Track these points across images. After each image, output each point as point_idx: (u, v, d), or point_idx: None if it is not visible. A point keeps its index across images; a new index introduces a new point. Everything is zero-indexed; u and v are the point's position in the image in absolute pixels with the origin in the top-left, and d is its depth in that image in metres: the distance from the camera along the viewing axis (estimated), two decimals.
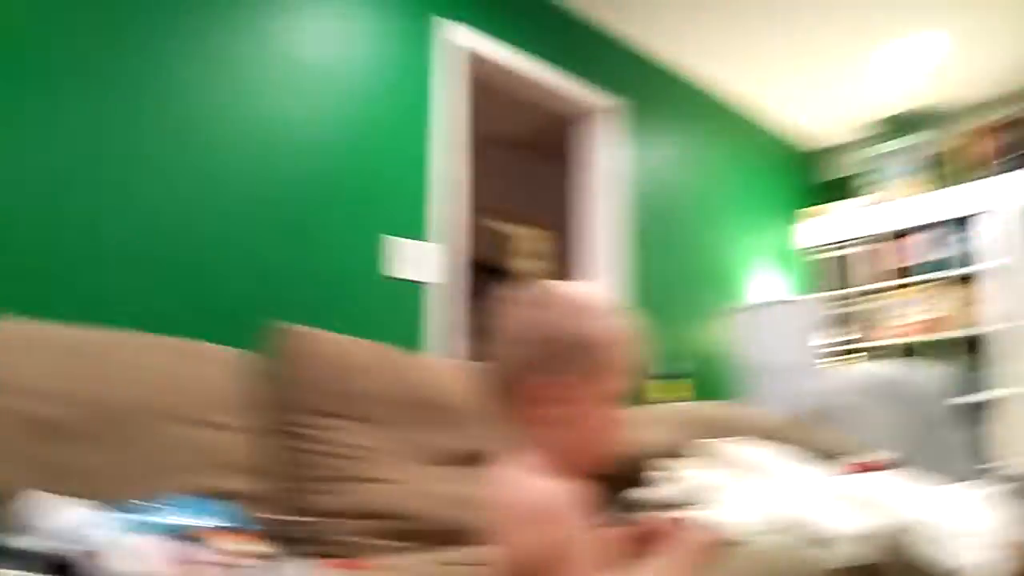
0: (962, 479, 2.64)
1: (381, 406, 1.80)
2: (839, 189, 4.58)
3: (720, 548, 0.84)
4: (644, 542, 0.88)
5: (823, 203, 4.53)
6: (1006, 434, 3.72)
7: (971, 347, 3.97)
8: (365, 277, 2.50)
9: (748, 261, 4.14)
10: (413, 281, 2.62)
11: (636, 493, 1.77)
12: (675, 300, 3.63)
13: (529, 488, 0.75)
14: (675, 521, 0.85)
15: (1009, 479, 2.72)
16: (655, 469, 1.81)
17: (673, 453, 1.93)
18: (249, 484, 1.52)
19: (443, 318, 2.66)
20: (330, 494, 1.62)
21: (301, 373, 1.73)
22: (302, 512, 1.58)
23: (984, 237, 3.96)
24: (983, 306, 3.93)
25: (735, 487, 1.85)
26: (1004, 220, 3.91)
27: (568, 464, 0.82)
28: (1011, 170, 3.98)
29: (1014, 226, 3.88)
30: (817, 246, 4.47)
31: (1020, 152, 4.03)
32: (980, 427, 3.59)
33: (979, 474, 2.92)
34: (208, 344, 1.69)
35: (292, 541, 1.43)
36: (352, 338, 1.90)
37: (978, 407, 3.67)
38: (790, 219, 4.55)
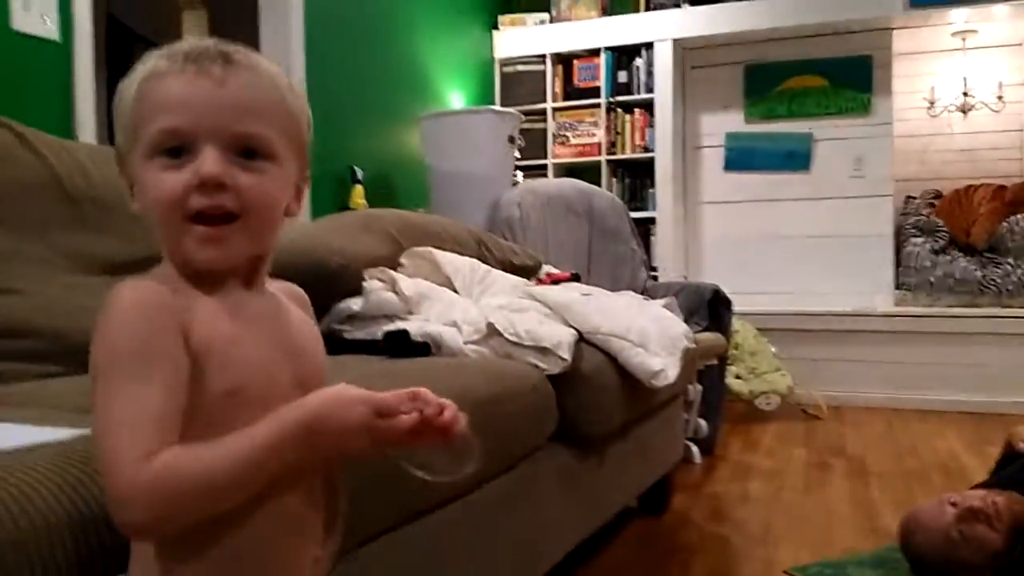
0: (634, 289, 2.87)
1: (17, 201, 1.41)
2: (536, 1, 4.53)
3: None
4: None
5: (520, 12, 4.47)
6: (663, 249, 4.18)
7: (638, 169, 4.32)
8: None
9: (444, 68, 3.97)
10: (51, 40, 2.04)
11: (352, 303, 1.61)
12: (360, 101, 3.36)
13: (115, 294, 0.62)
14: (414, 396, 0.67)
15: (669, 290, 3.02)
16: (371, 278, 1.65)
17: (387, 261, 1.78)
18: None
19: (90, 90, 2.13)
20: None
21: None
22: None
23: (650, 68, 4.24)
24: (649, 132, 4.25)
25: (450, 298, 1.78)
26: (663, 54, 4.20)
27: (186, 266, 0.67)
28: (673, 5, 4.24)
29: (669, 61, 4.18)
30: (511, 58, 4.44)
31: None
32: (647, 242, 3.97)
33: (649, 286, 3.21)
34: None
35: None
36: None
37: (641, 223, 4.03)
38: (487, 26, 4.42)
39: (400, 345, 1.51)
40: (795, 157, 4.37)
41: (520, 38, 4.44)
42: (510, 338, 1.55)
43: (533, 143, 4.34)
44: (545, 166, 4.40)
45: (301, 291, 0.80)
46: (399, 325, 1.57)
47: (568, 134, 4.40)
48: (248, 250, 0.68)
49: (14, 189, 1.41)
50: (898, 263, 4.25)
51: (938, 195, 4.49)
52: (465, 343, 1.57)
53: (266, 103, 0.68)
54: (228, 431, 0.60)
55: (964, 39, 4.39)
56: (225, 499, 0.60)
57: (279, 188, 0.69)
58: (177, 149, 0.64)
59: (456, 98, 4.05)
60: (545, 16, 4.44)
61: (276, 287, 0.77)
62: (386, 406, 0.63)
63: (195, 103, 0.64)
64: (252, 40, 3.01)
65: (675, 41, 4.22)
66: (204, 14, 4.31)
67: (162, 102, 0.65)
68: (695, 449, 2.93)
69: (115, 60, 3.69)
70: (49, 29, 2.04)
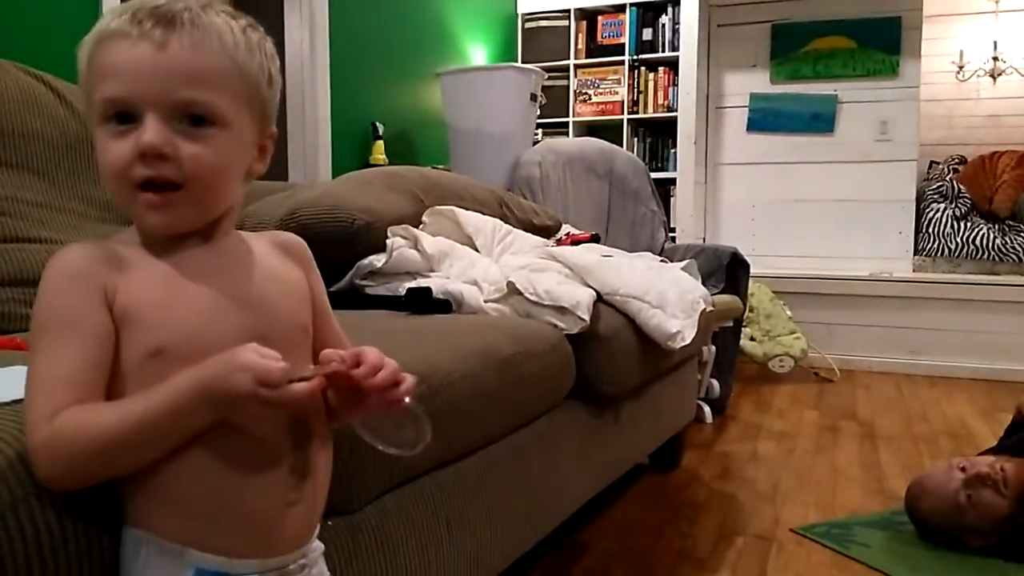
0: (654, 251, 2.89)
1: (42, 148, 1.44)
2: None
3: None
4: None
5: None
6: (683, 210, 4.17)
7: (660, 129, 4.29)
8: None
9: (466, 22, 3.93)
10: None
11: (375, 260, 1.64)
12: (382, 56, 3.35)
13: (49, 261, 0.66)
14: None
15: (687, 252, 3.03)
16: (394, 236, 1.68)
17: (410, 219, 1.80)
18: None
19: None
20: None
21: None
22: None
23: (676, 26, 4.17)
24: (672, 91, 4.21)
25: (471, 256, 1.81)
26: (689, 12, 4.13)
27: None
28: None
29: (696, 18, 4.12)
30: (534, 13, 4.39)
31: None
32: (664, 201, 3.96)
33: (668, 247, 3.22)
34: None
35: None
36: (4, 61, 1.47)
37: (662, 184, 4.02)
38: None
39: (422, 302, 1.54)
40: (819, 119, 4.33)
41: None
42: (530, 297, 1.58)
43: (554, 100, 4.31)
44: (566, 124, 4.38)
45: (297, 242, 0.80)
46: (421, 282, 1.61)
47: (590, 92, 4.37)
48: (197, 216, 0.68)
49: (50, 143, 1.44)
50: (918, 229, 4.23)
51: (963, 161, 4.44)
52: (485, 301, 1.60)
53: (212, 67, 0.66)
54: None
55: (997, 1, 4.30)
56: (123, 457, 0.61)
57: (228, 154, 0.68)
58: (123, 115, 0.64)
59: (478, 53, 4.02)
60: None
61: (268, 238, 0.77)
62: (266, 375, 0.60)
63: (136, 70, 0.64)
64: None
65: None
66: None
67: (107, 69, 0.64)
68: (707, 409, 2.97)
69: None
70: None
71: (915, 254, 4.21)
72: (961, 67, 4.51)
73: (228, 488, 0.65)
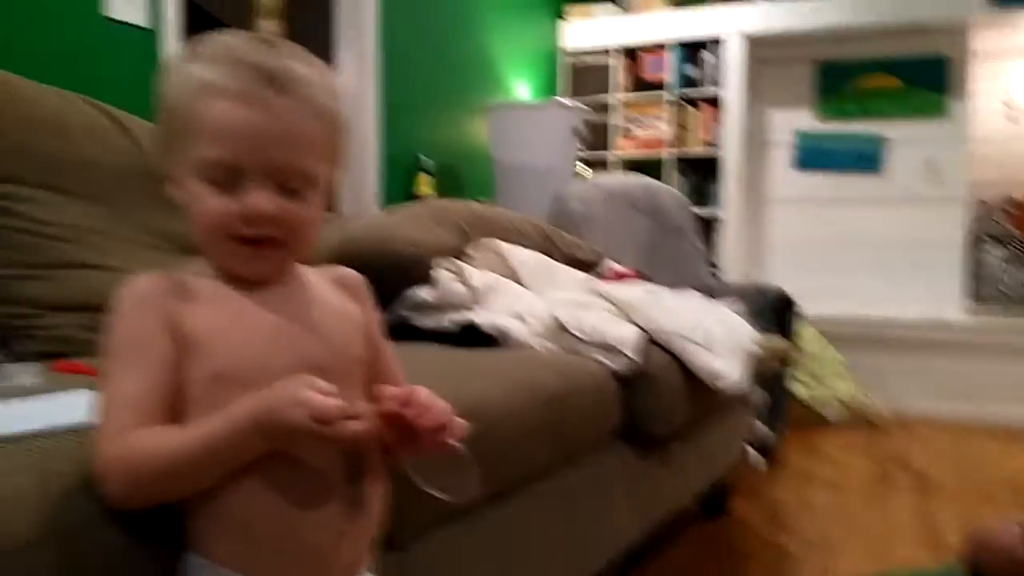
0: (699, 289, 2.85)
1: (105, 179, 1.47)
2: None
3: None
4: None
5: (588, 3, 4.45)
6: (727, 248, 4.13)
7: (703, 166, 4.27)
8: (82, 15, 1.95)
9: (511, 58, 3.98)
10: (142, 27, 2.11)
11: (422, 292, 1.64)
12: (429, 91, 3.39)
13: (120, 288, 0.69)
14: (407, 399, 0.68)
15: (732, 290, 2.98)
16: (440, 268, 1.68)
17: (456, 252, 1.80)
18: None
19: None
20: (43, 281, 1.32)
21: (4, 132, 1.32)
22: (9, 302, 1.28)
23: (719, 63, 4.17)
24: (715, 128, 4.20)
25: (516, 290, 1.80)
26: (733, 49, 4.13)
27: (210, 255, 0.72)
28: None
29: (740, 55, 4.12)
30: (578, 50, 4.42)
31: None
32: (709, 240, 3.93)
33: (713, 285, 3.19)
34: None
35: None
36: (70, 93, 1.50)
37: (707, 222, 3.99)
38: (556, 17, 4.41)
39: (469, 336, 1.53)
40: (866, 158, 4.27)
41: (587, 29, 4.41)
42: (575, 334, 1.56)
43: (597, 135, 4.32)
44: (608, 159, 4.38)
45: (355, 277, 0.81)
46: (467, 316, 1.60)
47: (632, 127, 4.37)
48: (285, 264, 0.72)
49: (110, 172, 1.47)
50: (969, 271, 4.12)
51: (1016, 204, 4.34)
52: (531, 337, 1.58)
53: (315, 134, 0.69)
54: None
55: None
56: (184, 478, 0.63)
57: (319, 209, 0.71)
58: (226, 173, 0.66)
59: (522, 88, 4.06)
60: (613, 7, 4.41)
61: (326, 273, 0.79)
62: (320, 412, 0.60)
63: (246, 137, 0.65)
64: (327, 28, 3.06)
65: (746, 36, 4.15)
66: (282, 1, 4.38)
67: (214, 129, 0.66)
68: (756, 454, 2.90)
69: None
70: (139, 15, 2.11)
71: (967, 298, 4.10)
72: (1011, 107, 4.43)
73: (286, 517, 0.66)
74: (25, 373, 0.99)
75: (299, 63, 0.69)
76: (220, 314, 0.68)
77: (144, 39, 2.13)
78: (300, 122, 0.67)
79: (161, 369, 0.65)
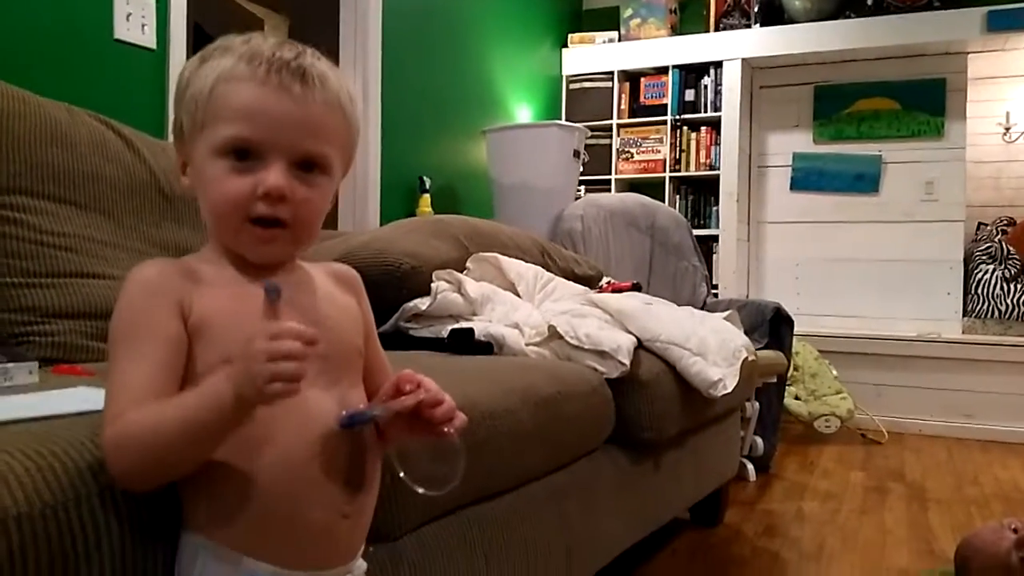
0: (694, 305, 2.89)
1: (110, 191, 1.52)
2: (605, 19, 4.58)
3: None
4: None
5: (589, 31, 4.53)
6: (725, 268, 4.16)
7: (702, 187, 4.32)
8: (93, 37, 2.01)
9: (513, 83, 4.05)
10: (150, 48, 2.17)
11: (420, 303, 1.68)
12: (431, 113, 3.46)
13: (129, 274, 0.70)
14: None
15: (730, 306, 3.02)
16: (438, 280, 1.72)
17: (455, 265, 1.84)
18: None
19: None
20: (45, 289, 1.35)
21: (9, 144, 1.36)
22: (11, 309, 1.31)
23: (717, 86, 4.24)
24: (714, 150, 4.25)
25: (512, 301, 1.83)
26: (732, 74, 4.20)
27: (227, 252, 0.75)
28: (744, 26, 4.24)
29: (738, 80, 4.18)
30: (578, 75, 4.50)
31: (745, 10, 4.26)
32: (706, 258, 3.96)
33: (710, 304, 3.22)
34: None
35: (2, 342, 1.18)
36: (77, 108, 1.55)
37: (704, 241, 4.03)
38: (556, 44, 4.49)
39: (464, 343, 1.57)
40: (863, 179, 4.32)
41: (588, 55, 4.49)
42: (571, 341, 1.59)
43: (597, 158, 4.38)
44: (608, 181, 4.44)
45: (351, 272, 0.85)
46: (463, 325, 1.64)
47: (632, 150, 4.43)
48: (293, 251, 0.75)
49: (119, 186, 1.51)
50: (966, 290, 4.15)
51: (1011, 222, 4.38)
52: (526, 345, 1.62)
53: (334, 124, 0.73)
54: None
55: None
56: (177, 450, 0.62)
57: (327, 199, 0.75)
58: (244, 151, 0.70)
59: (523, 112, 4.12)
60: (614, 35, 4.49)
61: (324, 268, 0.82)
62: (275, 349, 0.61)
63: (273, 118, 0.69)
64: (331, 50, 3.13)
65: (744, 60, 4.22)
66: (285, 24, 4.47)
67: (240, 108, 0.69)
68: (750, 466, 2.92)
69: None
70: (147, 38, 2.18)
71: (963, 316, 4.12)
72: (1008, 128, 4.48)
73: (287, 496, 0.67)
74: (25, 373, 1.01)
75: (321, 62, 0.74)
76: (229, 299, 0.71)
77: (152, 60, 2.19)
78: (320, 110, 0.72)
79: (167, 352, 0.67)
